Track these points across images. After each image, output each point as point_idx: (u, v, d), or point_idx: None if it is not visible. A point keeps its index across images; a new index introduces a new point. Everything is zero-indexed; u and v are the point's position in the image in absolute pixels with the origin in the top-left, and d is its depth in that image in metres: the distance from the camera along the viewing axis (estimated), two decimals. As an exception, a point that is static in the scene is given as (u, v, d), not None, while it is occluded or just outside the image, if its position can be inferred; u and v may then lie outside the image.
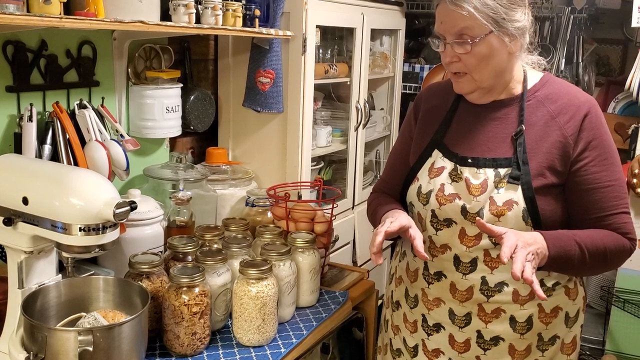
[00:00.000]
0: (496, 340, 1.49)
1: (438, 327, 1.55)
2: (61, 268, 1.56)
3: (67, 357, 1.26)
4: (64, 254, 1.41)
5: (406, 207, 1.61)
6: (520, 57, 1.48)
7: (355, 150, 2.89)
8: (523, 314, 1.48)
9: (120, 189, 2.02)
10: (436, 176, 1.52)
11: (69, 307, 1.46)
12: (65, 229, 1.31)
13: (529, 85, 1.49)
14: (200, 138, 2.54)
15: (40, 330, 1.28)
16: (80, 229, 1.30)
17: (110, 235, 1.36)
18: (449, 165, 1.51)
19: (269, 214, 2.03)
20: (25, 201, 1.34)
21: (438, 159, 1.54)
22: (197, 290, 1.48)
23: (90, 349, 1.25)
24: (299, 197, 2.35)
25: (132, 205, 1.35)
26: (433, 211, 1.50)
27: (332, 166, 3.00)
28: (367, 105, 2.88)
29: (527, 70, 1.51)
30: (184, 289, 1.47)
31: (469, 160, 1.48)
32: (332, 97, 3.02)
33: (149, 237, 1.83)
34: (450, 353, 1.54)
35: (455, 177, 1.49)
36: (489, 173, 1.45)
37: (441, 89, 1.64)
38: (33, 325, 1.30)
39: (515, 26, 1.39)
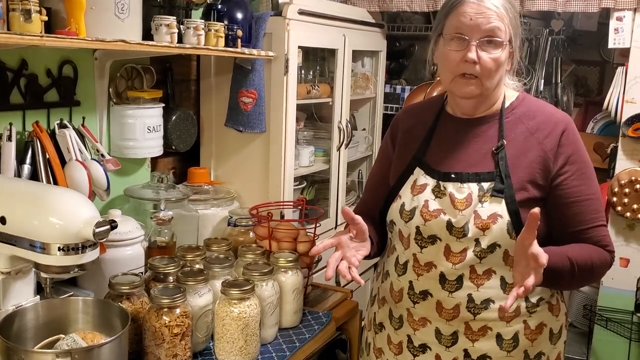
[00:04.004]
0: (483, 358, 1.48)
1: (424, 347, 1.53)
2: (39, 289, 1.52)
3: (45, 381, 1.23)
4: (43, 275, 1.38)
5: (385, 227, 1.61)
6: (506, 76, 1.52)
7: (338, 170, 2.89)
8: (509, 331, 1.47)
9: (100, 209, 1.99)
10: (419, 193, 1.52)
11: (47, 329, 1.43)
12: (44, 248, 1.28)
13: (507, 103, 1.53)
14: (182, 158, 2.52)
15: (17, 352, 1.25)
16: (59, 249, 1.28)
17: (90, 255, 1.34)
18: (431, 182, 1.51)
19: (251, 234, 2.02)
20: (3, 221, 1.31)
21: (420, 177, 1.54)
22: (178, 311, 1.45)
23: (69, 371, 1.22)
24: (282, 216, 2.34)
25: (113, 225, 1.33)
26: (417, 228, 1.50)
27: (314, 186, 3.00)
28: (349, 125, 2.89)
29: (504, 89, 1.55)
30: (165, 309, 1.44)
31: (452, 176, 1.49)
32: (314, 117, 3.03)
33: (129, 257, 1.80)
34: (437, 373, 1.53)
35: (438, 193, 1.49)
36: (472, 187, 1.46)
37: (418, 109, 1.66)
38: (9, 348, 1.26)
39: (517, 42, 1.46)
